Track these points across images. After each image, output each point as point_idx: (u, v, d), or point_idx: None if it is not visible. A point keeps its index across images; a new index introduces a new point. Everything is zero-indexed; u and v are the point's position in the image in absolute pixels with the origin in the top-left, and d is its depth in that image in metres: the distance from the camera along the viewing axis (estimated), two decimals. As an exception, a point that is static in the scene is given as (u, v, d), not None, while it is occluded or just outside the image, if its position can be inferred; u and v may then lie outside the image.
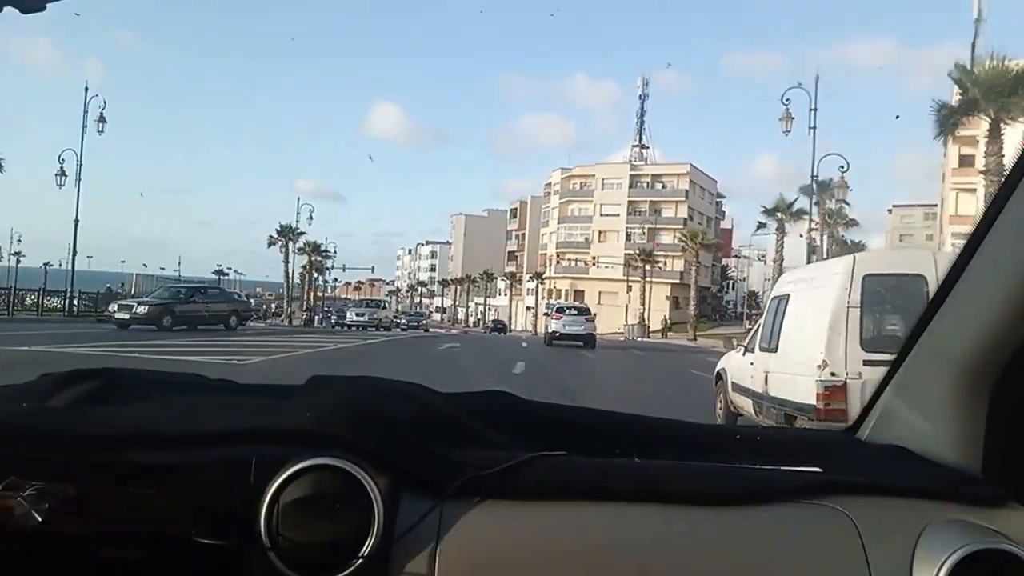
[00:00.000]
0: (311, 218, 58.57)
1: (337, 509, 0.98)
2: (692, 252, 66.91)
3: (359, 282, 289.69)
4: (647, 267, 71.87)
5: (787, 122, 31.11)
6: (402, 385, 1.31)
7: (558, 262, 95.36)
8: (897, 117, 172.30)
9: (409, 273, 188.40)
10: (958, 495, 1.16)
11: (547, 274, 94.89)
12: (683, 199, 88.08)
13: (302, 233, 67.53)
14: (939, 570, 1.02)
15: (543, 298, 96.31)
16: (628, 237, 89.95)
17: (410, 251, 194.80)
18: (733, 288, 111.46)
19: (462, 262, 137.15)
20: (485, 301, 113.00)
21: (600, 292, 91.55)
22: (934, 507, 1.13)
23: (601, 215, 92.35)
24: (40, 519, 0.98)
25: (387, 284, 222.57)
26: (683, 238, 70.23)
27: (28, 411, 1.11)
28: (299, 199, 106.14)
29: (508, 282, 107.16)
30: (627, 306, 70.27)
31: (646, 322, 67.98)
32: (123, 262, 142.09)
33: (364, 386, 1.28)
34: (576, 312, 34.64)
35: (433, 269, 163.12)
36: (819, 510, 1.13)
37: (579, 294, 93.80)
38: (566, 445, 1.20)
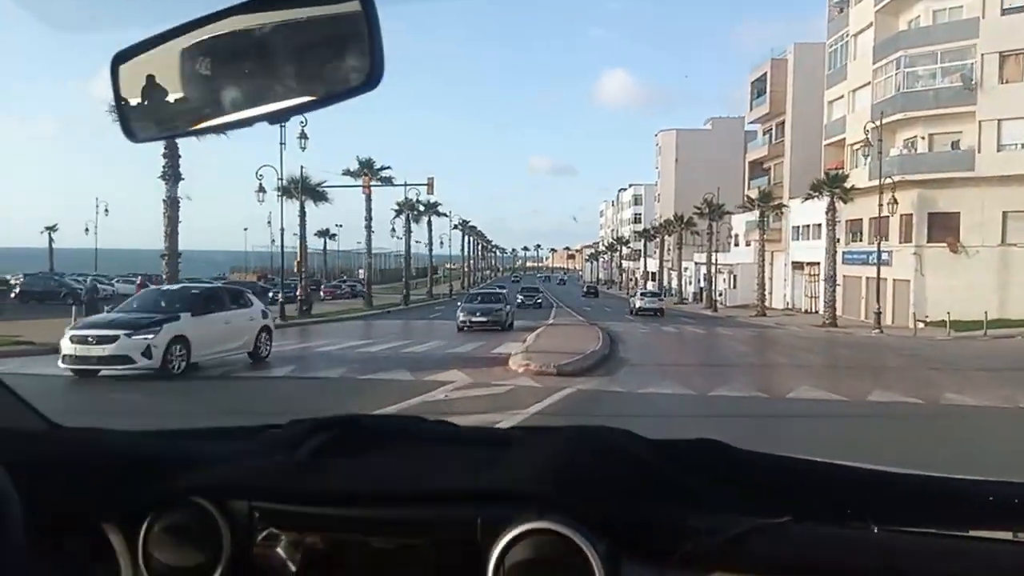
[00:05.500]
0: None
1: (559, 575, 0.98)
2: None
3: (569, 249, 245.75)
4: None
5: None
6: (613, 435, 1.25)
7: (894, 143, 38.44)
8: None
9: (611, 230, 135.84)
10: None
11: (854, 180, 38.84)
12: None
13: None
14: None
15: (841, 238, 40.32)
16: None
17: (613, 203, 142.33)
18: None
19: (674, 199, 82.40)
20: (710, 256, 57.96)
21: (1006, 213, 34.51)
22: None
23: (1005, 9, 34.68)
24: (294, 569, 1.07)
25: (590, 248, 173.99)
26: None
27: (281, 465, 1.16)
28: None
29: (756, 215, 51.66)
30: None
31: None
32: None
33: (578, 439, 1.23)
34: (652, 294, 49.32)
35: (637, 220, 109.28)
36: None
37: (946, 220, 36.73)
38: (788, 504, 1.05)
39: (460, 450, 1.28)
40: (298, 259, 37.22)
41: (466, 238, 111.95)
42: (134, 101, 1.01)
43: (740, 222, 61.32)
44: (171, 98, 0.99)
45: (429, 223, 70.28)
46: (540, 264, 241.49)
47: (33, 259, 76.58)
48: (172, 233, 26.25)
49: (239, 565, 1.08)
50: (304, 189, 37.36)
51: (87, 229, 79.38)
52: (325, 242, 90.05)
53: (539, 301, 50.05)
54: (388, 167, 47.17)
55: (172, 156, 26.08)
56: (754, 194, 52.19)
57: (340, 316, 36.75)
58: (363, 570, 1.07)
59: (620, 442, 1.22)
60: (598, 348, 18.47)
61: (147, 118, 1.02)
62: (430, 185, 42.35)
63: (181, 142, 21.61)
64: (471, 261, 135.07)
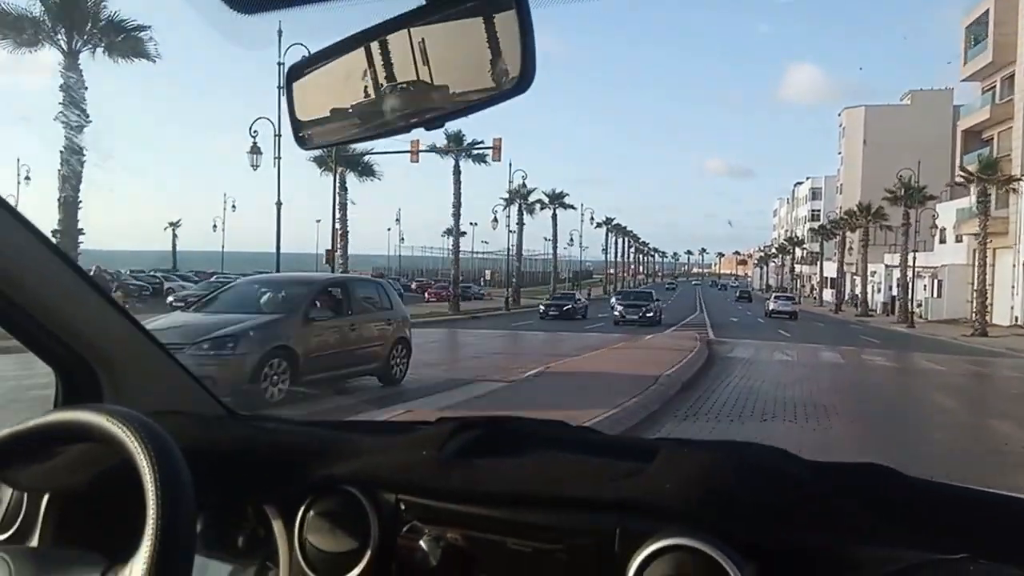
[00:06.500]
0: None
1: None
2: None
3: (739, 254, 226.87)
4: None
5: None
6: (766, 452, 1.17)
7: None
8: None
9: (785, 230, 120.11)
10: None
11: None
12: None
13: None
14: None
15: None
16: None
17: (788, 200, 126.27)
18: None
19: (860, 190, 67.76)
20: (905, 255, 44.17)
21: None
22: None
23: None
24: (435, 563, 1.09)
25: (761, 252, 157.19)
26: None
27: (428, 461, 1.18)
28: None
29: (971, 201, 37.85)
30: None
31: None
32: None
33: (727, 454, 1.15)
34: (786, 298, 48.71)
35: (815, 217, 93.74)
36: None
37: None
38: (965, 540, 0.94)
39: (605, 458, 1.21)
40: (329, 248, 28.94)
41: (613, 239, 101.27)
42: (304, 111, 1.11)
43: (948, 211, 46.90)
44: (336, 107, 1.07)
45: (554, 216, 60.80)
46: (705, 270, 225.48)
47: (161, 260, 75.16)
48: (70, 200, 18.34)
49: (384, 555, 1.13)
50: (341, 159, 29.01)
51: (215, 226, 77.03)
52: (457, 240, 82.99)
53: (651, 314, 33.72)
54: (481, 142, 38.45)
55: (73, 87, 18.13)
56: (965, 171, 38.22)
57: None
58: (500, 570, 1.08)
59: (775, 461, 1.14)
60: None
61: (315, 127, 1.10)
62: (496, 149, 32.71)
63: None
64: (628, 265, 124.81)
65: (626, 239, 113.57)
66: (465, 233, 75.98)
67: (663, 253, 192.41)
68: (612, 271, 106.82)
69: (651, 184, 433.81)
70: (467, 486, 1.12)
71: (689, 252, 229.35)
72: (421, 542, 1.10)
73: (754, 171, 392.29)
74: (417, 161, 30.18)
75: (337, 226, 29.47)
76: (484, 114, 0.94)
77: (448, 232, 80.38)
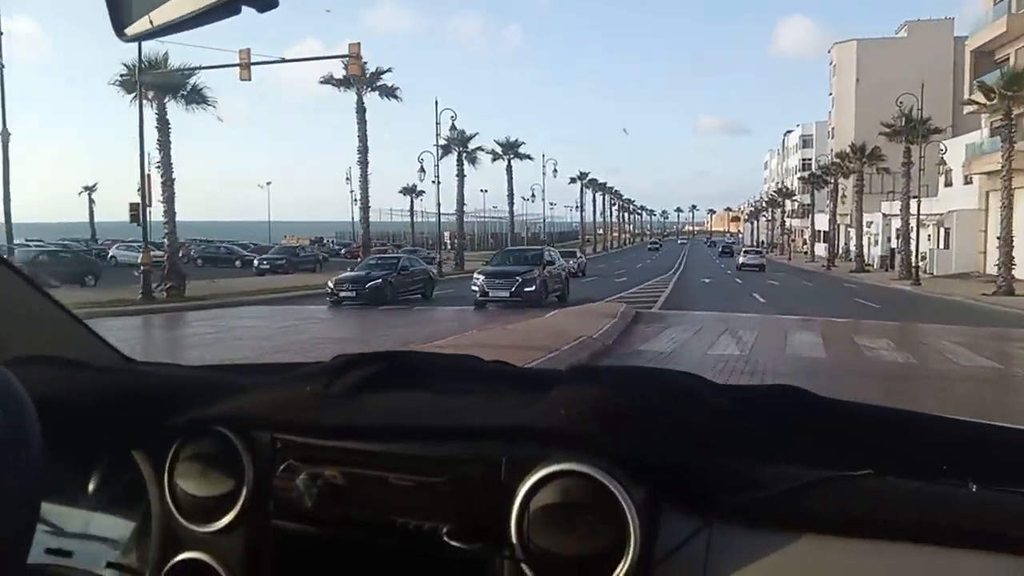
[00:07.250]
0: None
1: (589, 521, 0.88)
2: None
3: (731, 211, 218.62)
4: None
5: None
6: (675, 376, 1.13)
7: None
8: None
9: (776, 183, 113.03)
10: None
11: None
12: None
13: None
14: None
15: None
16: None
17: (778, 151, 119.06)
18: None
19: (853, 132, 60.82)
20: (907, 200, 37.46)
21: None
22: None
23: None
24: (310, 503, 1.04)
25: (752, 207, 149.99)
26: None
27: (309, 397, 1.13)
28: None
29: (982, 135, 31.05)
30: None
31: None
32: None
33: (632, 379, 1.13)
34: (755, 252, 51.00)
35: (806, 166, 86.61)
36: None
37: None
38: (875, 459, 0.92)
39: (509, 388, 1.19)
40: (141, 201, 22.17)
41: (591, 196, 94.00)
42: None
43: (956, 149, 40.13)
44: None
45: (509, 168, 53.73)
46: (696, 228, 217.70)
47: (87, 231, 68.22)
48: None
49: (260, 497, 1.07)
50: (152, 80, 22.11)
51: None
52: (412, 201, 75.02)
53: (530, 288, 20.69)
54: (389, 70, 31.92)
55: None
56: (974, 96, 31.26)
57: (229, 299, 21.65)
58: (380, 506, 1.02)
59: (685, 385, 1.11)
60: None
61: (137, 10, 0.94)
62: (355, 58, 25.51)
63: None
64: (613, 225, 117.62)
65: (606, 196, 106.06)
66: (423, 191, 68.94)
67: (651, 211, 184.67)
68: (601, 231, 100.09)
69: (642, 143, 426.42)
70: (348, 422, 1.05)
71: (679, 210, 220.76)
72: (297, 482, 1.04)
73: (750, 128, 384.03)
74: (249, 78, 23.07)
75: (151, 173, 22.59)
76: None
77: (405, 191, 73.81)
